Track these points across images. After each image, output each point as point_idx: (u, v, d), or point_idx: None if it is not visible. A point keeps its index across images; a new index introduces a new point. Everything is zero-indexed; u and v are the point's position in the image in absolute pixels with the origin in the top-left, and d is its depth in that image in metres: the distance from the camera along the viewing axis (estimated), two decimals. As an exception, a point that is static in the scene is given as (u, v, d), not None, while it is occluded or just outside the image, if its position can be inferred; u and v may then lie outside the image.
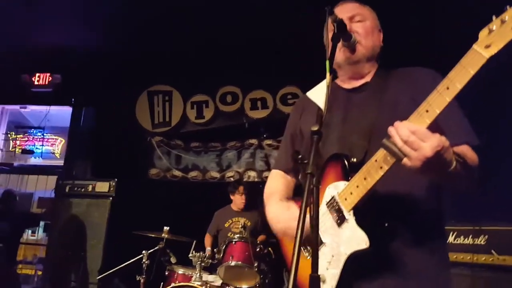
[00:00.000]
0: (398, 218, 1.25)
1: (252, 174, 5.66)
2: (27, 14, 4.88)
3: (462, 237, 2.91)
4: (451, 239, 2.96)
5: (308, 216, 1.00)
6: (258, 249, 3.58)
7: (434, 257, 1.29)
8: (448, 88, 1.03)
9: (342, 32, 1.35)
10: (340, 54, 1.44)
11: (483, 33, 1.00)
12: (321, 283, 1.19)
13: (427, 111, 1.06)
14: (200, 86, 5.83)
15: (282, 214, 1.43)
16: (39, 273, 5.52)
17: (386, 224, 1.20)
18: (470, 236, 2.86)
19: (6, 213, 5.02)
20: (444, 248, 1.37)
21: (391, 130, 1.07)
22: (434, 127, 1.06)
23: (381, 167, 1.14)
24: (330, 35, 1.36)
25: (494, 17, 0.99)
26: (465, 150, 1.24)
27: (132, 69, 5.60)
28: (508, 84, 3.51)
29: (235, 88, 5.75)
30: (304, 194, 0.99)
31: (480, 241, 2.79)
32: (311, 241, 1.02)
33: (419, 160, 1.03)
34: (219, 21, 4.72)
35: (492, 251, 2.68)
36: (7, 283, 4.42)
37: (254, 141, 5.72)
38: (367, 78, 1.50)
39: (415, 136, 1.03)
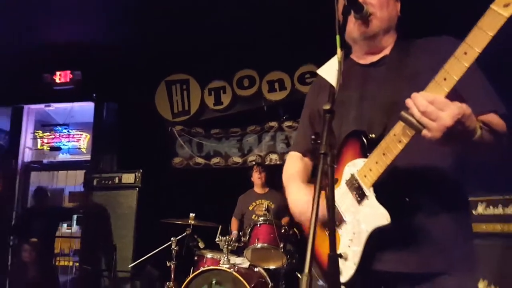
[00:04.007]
0: (419, 192, 1.22)
1: (274, 157, 5.66)
2: (42, 13, 4.96)
3: (491, 207, 2.83)
4: (480, 209, 2.88)
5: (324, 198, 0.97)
6: (283, 230, 3.59)
7: (457, 228, 1.26)
8: (466, 53, 0.97)
9: (353, 4, 1.28)
10: (355, 29, 1.38)
11: None
12: (343, 261, 1.24)
13: (445, 79, 1.01)
14: (216, 72, 5.80)
15: (302, 200, 1.40)
16: (76, 264, 5.75)
17: (407, 199, 1.18)
18: (500, 206, 2.78)
19: (40, 209, 5.24)
20: (468, 219, 1.34)
21: (409, 101, 1.03)
22: (454, 95, 1.01)
23: (400, 141, 1.10)
24: (341, 8, 1.28)
25: None
26: (491, 118, 1.18)
27: (149, 60, 5.62)
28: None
29: (251, 71, 5.69)
30: (318, 175, 0.96)
31: (510, 210, 2.71)
32: (328, 220, 0.99)
33: (439, 131, 0.99)
34: (229, 5, 4.66)
35: (523, 219, 2.59)
36: (45, 275, 4.62)
37: (274, 123, 5.69)
38: (386, 51, 1.43)
39: (433, 105, 0.98)
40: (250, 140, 5.83)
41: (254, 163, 5.38)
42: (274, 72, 5.60)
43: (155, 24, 5.14)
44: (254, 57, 5.50)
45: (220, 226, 3.81)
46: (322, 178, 0.96)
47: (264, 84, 5.63)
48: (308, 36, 4.66)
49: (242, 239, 3.72)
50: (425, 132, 1.01)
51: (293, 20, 4.75)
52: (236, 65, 5.72)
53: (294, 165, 1.62)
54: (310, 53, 5.00)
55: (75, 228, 6.67)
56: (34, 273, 4.45)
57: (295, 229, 3.70)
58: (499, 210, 2.79)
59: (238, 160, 5.80)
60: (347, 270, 1.23)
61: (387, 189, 1.17)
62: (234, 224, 4.70)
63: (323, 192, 0.96)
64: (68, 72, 5.94)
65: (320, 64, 1.28)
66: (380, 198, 1.17)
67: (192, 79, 5.94)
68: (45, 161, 6.60)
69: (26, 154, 6.48)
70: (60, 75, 5.95)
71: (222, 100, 5.81)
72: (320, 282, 1.36)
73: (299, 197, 1.43)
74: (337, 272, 0.97)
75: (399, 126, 1.11)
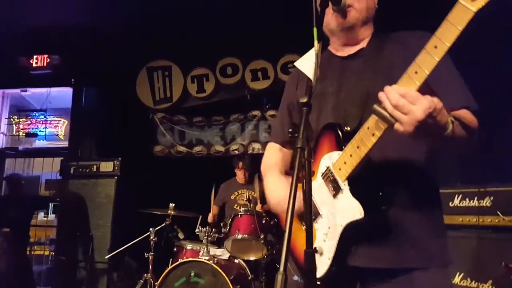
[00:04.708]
0: (393, 185, 1.23)
1: (257, 146, 5.63)
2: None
3: (467, 199, 2.85)
4: (456, 201, 2.91)
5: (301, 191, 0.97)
6: (264, 221, 3.58)
7: (431, 222, 1.28)
8: (436, 47, 0.97)
9: None
10: (332, 20, 1.39)
11: None
12: (318, 255, 1.24)
13: (416, 72, 1.01)
14: (199, 59, 5.71)
15: (280, 189, 1.41)
16: (52, 253, 5.65)
17: (380, 193, 1.17)
18: (476, 198, 2.80)
19: (14, 197, 5.08)
20: (440, 213, 1.35)
21: (381, 95, 1.03)
22: (426, 89, 1.02)
23: (373, 134, 1.10)
24: (319, 0, 1.28)
25: None
26: (463, 113, 1.19)
27: (130, 45, 5.49)
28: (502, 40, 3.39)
29: (234, 59, 5.63)
30: (295, 169, 0.96)
31: (486, 203, 2.74)
32: (305, 215, 0.99)
33: (411, 124, 0.99)
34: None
35: (498, 212, 2.64)
36: (17, 267, 4.50)
37: (257, 112, 5.65)
38: (363, 44, 1.44)
39: (405, 99, 0.98)
40: (233, 128, 5.79)
41: (237, 154, 5.34)
42: (258, 61, 5.55)
43: (137, 9, 5.01)
44: (238, 45, 5.44)
45: (201, 217, 3.77)
46: (299, 172, 0.96)
47: (248, 72, 5.58)
48: (291, 25, 4.60)
49: (223, 230, 3.68)
50: (397, 125, 1.01)
51: (277, 9, 4.70)
52: (219, 53, 5.65)
53: (272, 156, 1.63)
54: (293, 43, 4.91)
55: (51, 216, 6.54)
56: (5, 264, 4.33)
57: (276, 219, 3.67)
58: (474, 203, 2.82)
59: (221, 148, 5.76)
60: (322, 265, 1.23)
61: (362, 182, 1.18)
62: (214, 209, 4.68)
63: (300, 184, 0.96)
64: (46, 56, 5.76)
65: (302, 53, 1.31)
66: (354, 192, 1.18)
67: (174, 65, 5.84)
68: (20, 147, 6.44)
69: (0, 140, 6.30)
70: (37, 59, 5.77)
71: (205, 87, 5.73)
72: (295, 277, 1.35)
73: (276, 188, 1.44)
74: (313, 269, 0.95)
75: (372, 119, 1.11)
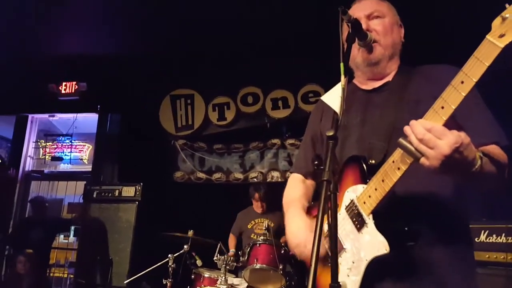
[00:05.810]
0: (419, 220, 1.19)
1: (276, 174, 5.62)
2: (50, 25, 5.03)
3: (494, 235, 2.74)
4: (482, 237, 2.80)
5: (326, 224, 0.97)
6: (282, 251, 3.50)
7: (459, 258, 1.23)
8: (462, 82, 0.98)
9: (357, 32, 1.29)
10: (358, 55, 1.40)
11: (496, 22, 0.95)
12: None
13: (442, 107, 1.01)
14: (221, 88, 5.85)
15: (301, 232, 1.38)
16: (71, 276, 5.69)
17: (406, 228, 1.15)
18: (503, 234, 2.69)
19: (38, 219, 5.20)
20: (470, 249, 1.30)
21: (407, 129, 1.03)
22: (452, 124, 1.01)
23: (398, 168, 1.09)
24: (346, 35, 1.31)
25: (507, 5, 0.93)
26: (492, 149, 1.16)
27: (155, 74, 5.69)
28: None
29: (255, 88, 5.73)
30: (321, 202, 0.95)
31: None
32: (330, 249, 0.99)
33: (437, 159, 0.97)
34: (235, 22, 4.72)
35: (528, 250, 2.51)
36: (38, 287, 4.55)
37: (276, 141, 5.67)
38: (388, 78, 1.44)
39: (431, 133, 0.98)
40: (252, 156, 5.81)
41: (255, 182, 5.32)
42: (278, 90, 5.63)
43: (161, 38, 5.21)
44: (259, 75, 5.55)
45: (219, 244, 3.74)
46: (325, 205, 0.96)
47: (268, 101, 5.65)
48: (312, 56, 4.69)
49: (241, 258, 3.62)
50: (423, 160, 1.00)
51: (298, 40, 4.81)
52: (240, 82, 5.76)
53: (295, 189, 1.60)
54: (314, 73, 5.07)
55: (72, 239, 6.62)
56: (27, 285, 4.39)
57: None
58: (502, 239, 2.70)
59: (240, 176, 5.77)
60: (346, 301, 1.21)
61: (387, 216, 1.16)
62: (232, 241, 4.64)
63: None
64: (74, 83, 6.00)
65: (322, 84, 1.31)
66: (380, 226, 1.15)
67: (197, 94, 5.97)
68: (46, 170, 6.62)
69: (27, 163, 6.50)
70: (65, 85, 6.01)
71: (225, 116, 5.83)
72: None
73: (297, 230, 1.41)
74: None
75: (398, 153, 1.11)
